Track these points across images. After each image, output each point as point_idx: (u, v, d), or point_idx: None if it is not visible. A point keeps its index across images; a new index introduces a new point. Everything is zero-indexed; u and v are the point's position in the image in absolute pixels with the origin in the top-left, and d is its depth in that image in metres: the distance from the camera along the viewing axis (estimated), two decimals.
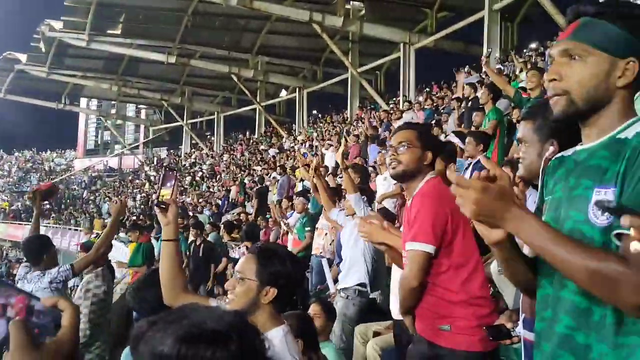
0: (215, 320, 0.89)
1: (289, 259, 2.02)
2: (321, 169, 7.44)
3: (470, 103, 9.72)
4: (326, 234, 6.93)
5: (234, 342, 0.87)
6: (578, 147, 1.54)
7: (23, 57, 33.46)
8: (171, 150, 42.30)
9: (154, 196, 7.08)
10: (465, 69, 15.11)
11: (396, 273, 3.13)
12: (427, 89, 18.82)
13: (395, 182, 5.79)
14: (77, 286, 10.38)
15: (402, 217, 2.81)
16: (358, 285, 5.12)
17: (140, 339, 0.89)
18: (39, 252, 4.15)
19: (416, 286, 2.51)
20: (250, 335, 0.91)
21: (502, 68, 13.72)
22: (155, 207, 2.18)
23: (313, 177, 5.48)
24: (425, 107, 14.69)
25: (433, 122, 12.02)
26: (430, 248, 2.48)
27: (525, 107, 5.34)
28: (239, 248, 9.25)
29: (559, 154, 1.63)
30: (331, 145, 15.77)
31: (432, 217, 2.50)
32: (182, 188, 25.79)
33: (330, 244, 6.86)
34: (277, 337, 1.88)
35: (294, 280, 2.00)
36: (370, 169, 10.05)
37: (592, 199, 1.37)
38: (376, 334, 4.56)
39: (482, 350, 2.48)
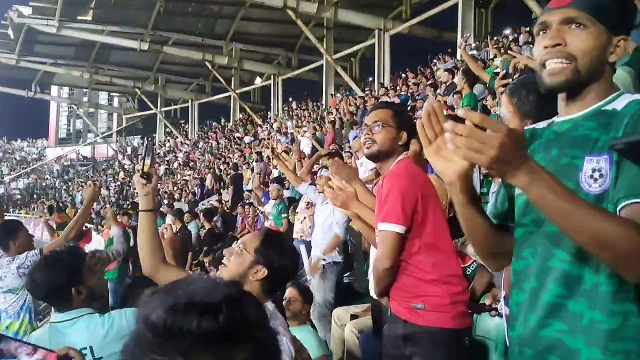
0: (209, 291, 0.88)
1: (290, 251, 2.12)
2: (295, 156, 7.44)
3: (447, 89, 9.83)
4: (305, 217, 6.95)
5: (222, 313, 0.86)
6: (556, 119, 1.54)
7: None
8: (145, 139, 41.82)
9: (137, 167, 7.02)
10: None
11: (374, 253, 3.15)
12: (403, 75, 18.86)
13: (371, 167, 5.83)
14: None
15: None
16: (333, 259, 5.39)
17: (140, 306, 0.90)
18: (4, 239, 4.09)
19: (389, 266, 2.52)
20: (243, 307, 0.90)
21: (477, 54, 13.82)
22: (139, 178, 2.21)
23: (273, 158, 5.56)
24: (401, 93, 14.75)
25: (408, 107, 12.09)
26: (400, 228, 2.48)
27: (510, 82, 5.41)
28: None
29: (530, 127, 1.62)
30: (307, 131, 15.75)
31: (402, 197, 2.49)
32: (157, 176, 25.51)
33: (310, 228, 6.88)
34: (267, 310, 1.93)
35: (286, 270, 2.06)
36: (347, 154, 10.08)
37: (583, 167, 1.38)
38: (354, 316, 4.59)
39: (455, 328, 2.50)
